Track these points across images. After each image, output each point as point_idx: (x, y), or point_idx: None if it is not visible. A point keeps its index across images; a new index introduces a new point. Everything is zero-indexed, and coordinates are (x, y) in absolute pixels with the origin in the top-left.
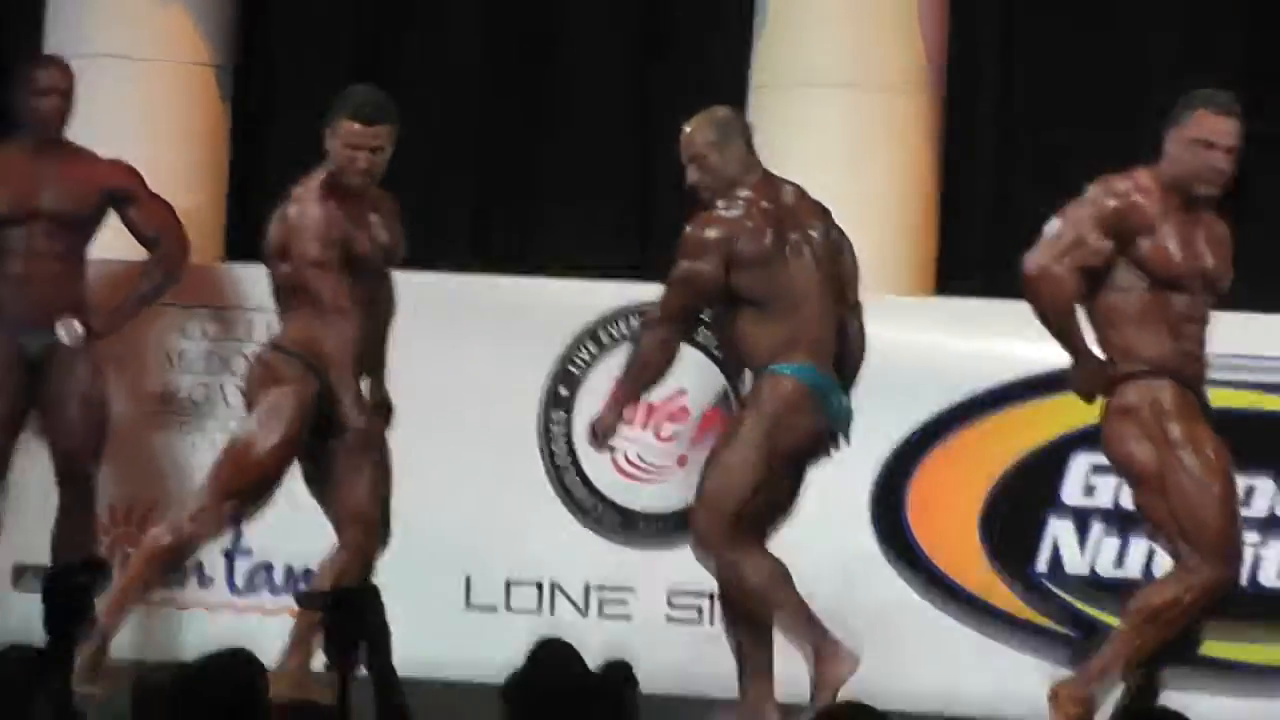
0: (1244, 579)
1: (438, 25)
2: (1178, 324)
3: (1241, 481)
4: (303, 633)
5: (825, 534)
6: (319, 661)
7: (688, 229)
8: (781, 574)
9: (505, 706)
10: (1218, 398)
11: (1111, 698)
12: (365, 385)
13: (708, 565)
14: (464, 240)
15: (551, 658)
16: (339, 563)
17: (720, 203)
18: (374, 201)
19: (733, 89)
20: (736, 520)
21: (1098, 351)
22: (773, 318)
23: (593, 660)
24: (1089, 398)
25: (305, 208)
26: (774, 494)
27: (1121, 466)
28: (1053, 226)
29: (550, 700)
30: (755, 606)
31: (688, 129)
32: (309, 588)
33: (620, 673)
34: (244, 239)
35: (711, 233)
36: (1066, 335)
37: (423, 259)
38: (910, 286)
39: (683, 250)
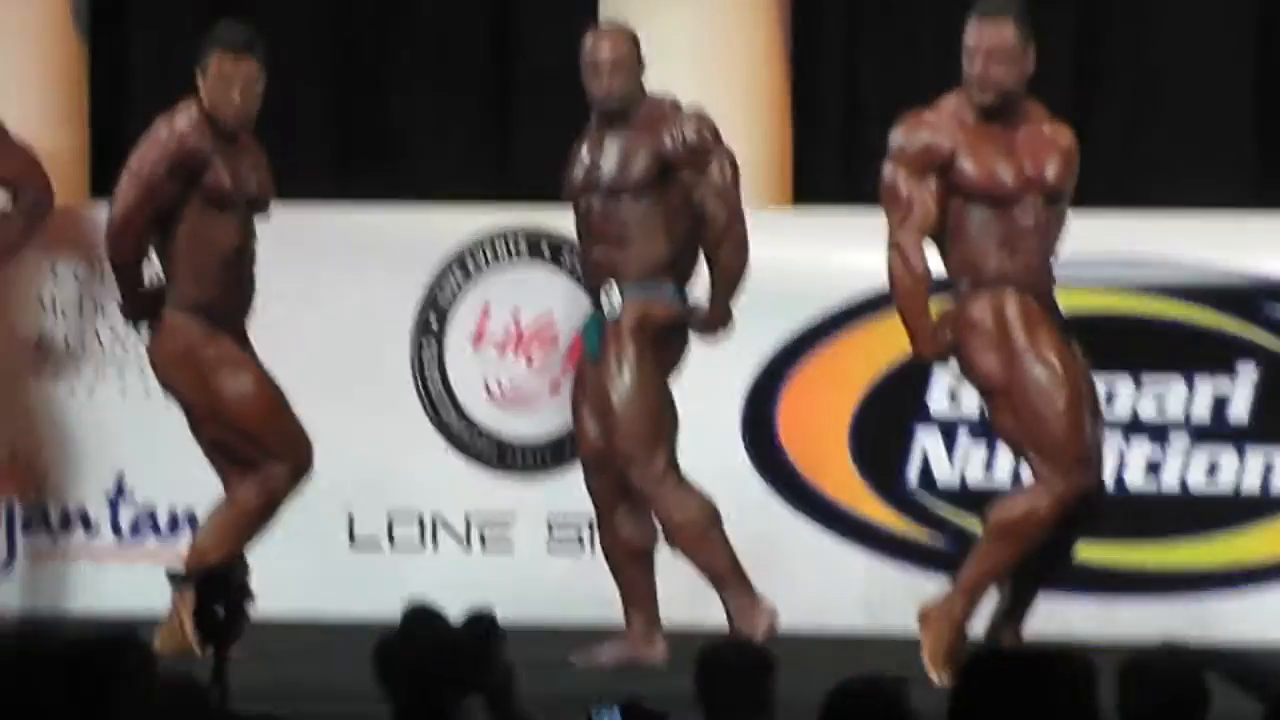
0: (1110, 482)
1: None
2: (1016, 236)
3: (1101, 384)
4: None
5: (696, 453)
6: None
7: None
8: (712, 512)
9: (377, 675)
10: (1072, 300)
11: (987, 611)
12: None
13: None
14: (323, 174)
15: (417, 624)
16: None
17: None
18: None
19: None
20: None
21: (942, 272)
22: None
23: (476, 599)
24: (934, 360)
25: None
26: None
27: (973, 381)
28: (885, 189)
29: (417, 670)
30: (686, 544)
31: (610, 39)
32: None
33: (483, 628)
34: (110, 178)
35: None
36: (913, 313)
37: (283, 193)
38: (767, 198)
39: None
